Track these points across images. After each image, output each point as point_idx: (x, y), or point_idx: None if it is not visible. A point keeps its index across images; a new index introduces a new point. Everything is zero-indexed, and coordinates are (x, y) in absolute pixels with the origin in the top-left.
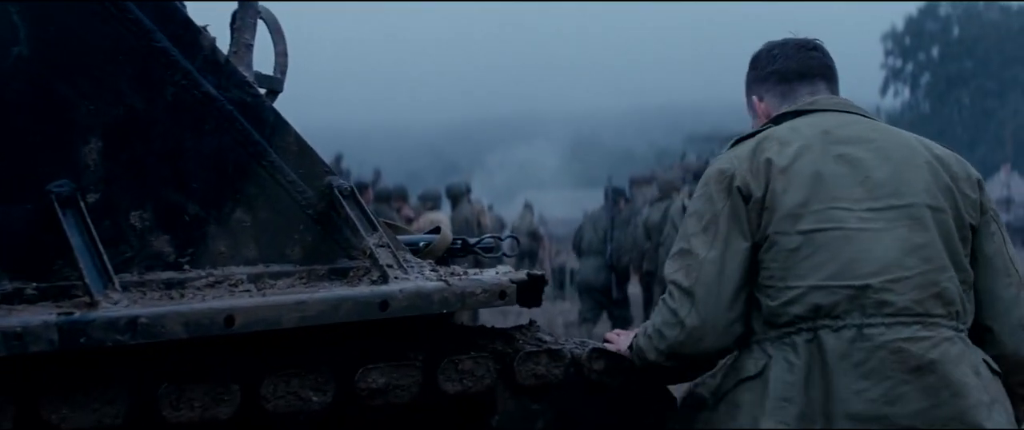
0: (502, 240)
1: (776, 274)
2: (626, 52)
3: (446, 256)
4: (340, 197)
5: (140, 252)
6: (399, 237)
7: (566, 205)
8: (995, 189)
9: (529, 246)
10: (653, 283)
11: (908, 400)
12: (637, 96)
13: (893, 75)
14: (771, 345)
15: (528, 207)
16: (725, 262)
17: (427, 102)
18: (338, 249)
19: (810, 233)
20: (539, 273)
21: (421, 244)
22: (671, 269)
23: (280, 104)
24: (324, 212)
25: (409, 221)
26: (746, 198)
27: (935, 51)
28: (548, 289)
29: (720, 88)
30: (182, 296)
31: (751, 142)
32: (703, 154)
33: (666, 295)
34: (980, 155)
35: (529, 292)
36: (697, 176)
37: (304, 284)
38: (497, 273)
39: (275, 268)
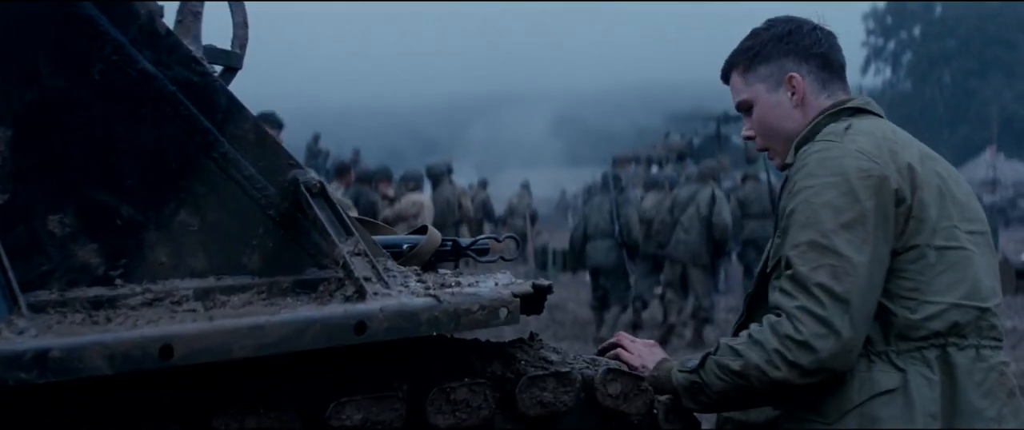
0: (499, 241)
1: (919, 286)
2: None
3: (433, 260)
4: (307, 194)
5: (61, 264)
6: (379, 238)
7: (547, 184)
8: (980, 170)
9: (522, 226)
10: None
11: (1008, 421)
12: (618, 74)
13: (874, 54)
14: (900, 358)
15: (525, 188)
16: (873, 269)
17: (407, 79)
18: (306, 257)
19: (942, 250)
20: (545, 283)
21: (404, 247)
22: (809, 267)
23: (240, 84)
24: (288, 213)
25: (391, 201)
26: (899, 202)
27: (917, 30)
28: (530, 269)
29: (701, 67)
30: (110, 319)
31: (870, 138)
32: (686, 133)
33: (807, 300)
34: (962, 135)
35: (532, 302)
36: (681, 156)
37: (264, 300)
38: (496, 284)
39: (228, 281)
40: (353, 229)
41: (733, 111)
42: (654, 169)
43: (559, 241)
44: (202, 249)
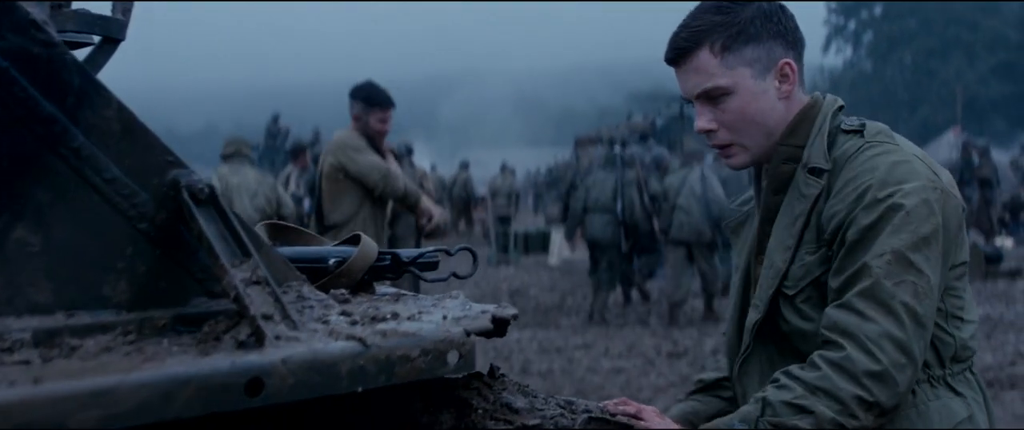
0: (451, 253)
1: (965, 305)
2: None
3: (368, 277)
4: (191, 203)
5: None
6: (297, 251)
7: (515, 164)
8: (943, 151)
9: (506, 208)
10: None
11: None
12: (579, 54)
13: (835, 32)
14: (955, 381)
15: (507, 169)
16: (940, 290)
17: (367, 58)
18: (190, 284)
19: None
20: (507, 315)
21: (330, 262)
22: (893, 281)
23: (193, 60)
24: (166, 226)
25: None
26: (958, 222)
27: (878, 9)
28: (490, 254)
29: (663, 46)
30: None
31: (915, 148)
32: (649, 113)
33: (889, 322)
34: (922, 116)
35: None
36: (643, 136)
37: (130, 344)
38: (445, 317)
39: (84, 319)
40: (251, 247)
41: None
42: (616, 148)
43: (521, 223)
44: (46, 277)
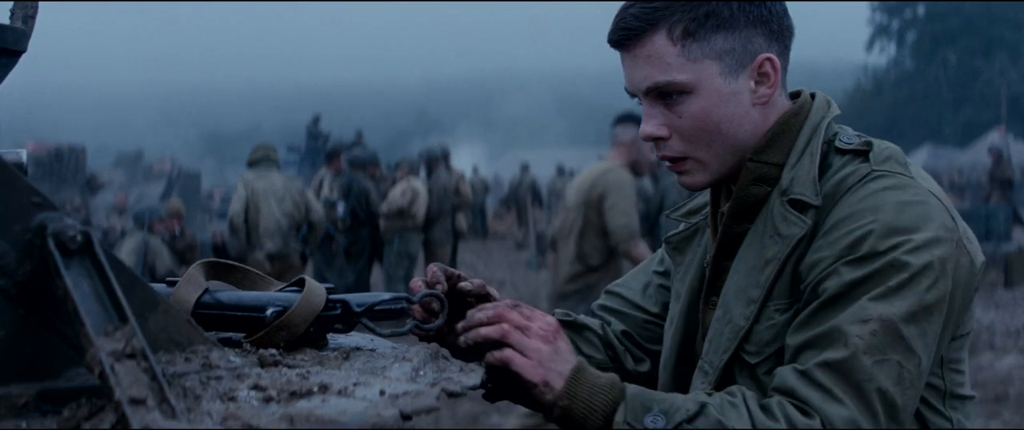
0: (413, 303)
1: (966, 381)
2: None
3: (315, 330)
4: (58, 254)
5: None
6: (236, 297)
7: (550, 164)
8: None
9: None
10: None
11: None
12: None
13: (879, 31)
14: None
15: (565, 171)
16: (926, 373)
17: (410, 58)
18: (63, 351)
19: None
20: (462, 388)
21: (268, 313)
22: (874, 358)
23: (235, 62)
24: (30, 283)
25: (387, 182)
26: (973, 283)
27: (921, 8)
28: (530, 258)
29: None
30: None
31: (931, 182)
32: None
33: (859, 410)
34: (965, 116)
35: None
36: None
37: None
38: (383, 393)
39: None
40: (127, 310)
41: None
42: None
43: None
44: None
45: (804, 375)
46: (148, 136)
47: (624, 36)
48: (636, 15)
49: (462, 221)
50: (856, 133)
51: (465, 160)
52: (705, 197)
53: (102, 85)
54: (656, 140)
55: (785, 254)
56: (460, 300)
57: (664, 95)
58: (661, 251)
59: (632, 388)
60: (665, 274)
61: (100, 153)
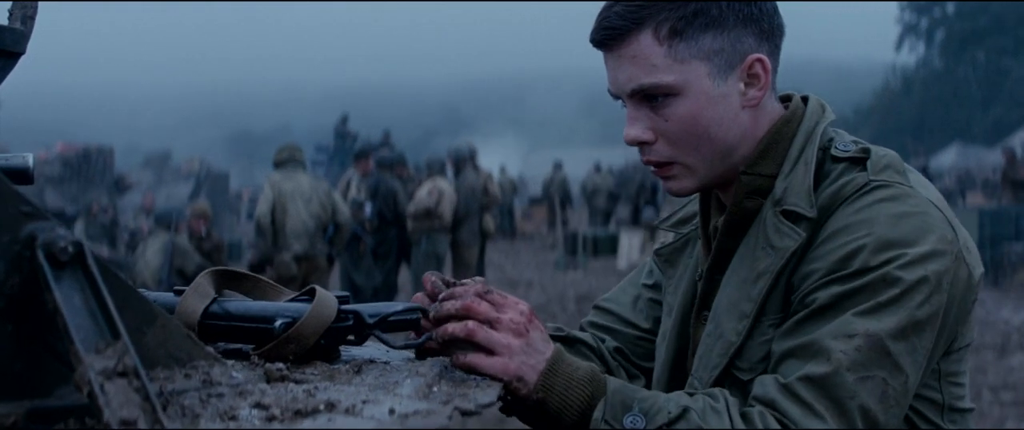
0: (428, 315)
1: (965, 395)
2: None
3: (325, 342)
4: (48, 266)
5: None
6: (245, 307)
7: (581, 163)
8: (1016, 150)
9: (607, 207)
10: None
11: None
12: None
13: (908, 30)
14: None
15: (601, 169)
16: (913, 390)
17: (438, 57)
18: (55, 368)
19: None
20: (477, 407)
21: (277, 324)
22: (857, 375)
23: (264, 62)
24: (20, 296)
25: (415, 183)
26: (971, 296)
27: (951, 7)
28: (558, 258)
29: None
30: None
31: (932, 191)
32: None
33: (839, 426)
34: (995, 114)
35: None
36: None
37: None
38: (393, 411)
39: None
40: (120, 326)
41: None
42: None
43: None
44: None
45: (786, 388)
46: (177, 136)
47: (608, 36)
48: (620, 13)
49: (490, 222)
50: (853, 139)
51: (494, 159)
52: (695, 206)
53: (132, 86)
54: (641, 144)
55: (779, 267)
56: None
57: (650, 97)
58: (649, 263)
59: (613, 383)
60: (655, 287)
61: (129, 153)
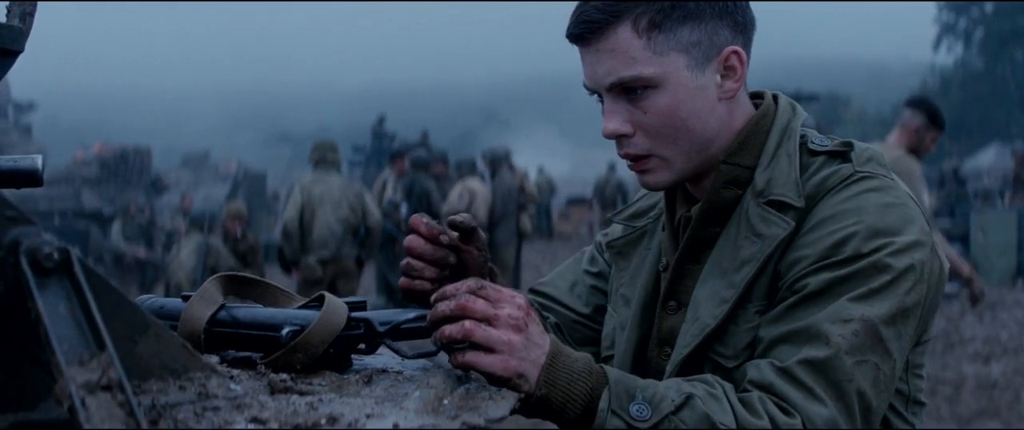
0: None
1: (923, 388)
2: None
3: (334, 351)
4: (31, 273)
5: None
6: (252, 314)
7: (620, 163)
8: None
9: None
10: None
11: None
12: None
13: (946, 30)
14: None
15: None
16: (897, 377)
17: (477, 57)
18: (42, 380)
19: None
20: (487, 422)
21: (284, 332)
22: (854, 359)
23: (237, 64)
24: (5, 304)
25: (452, 182)
26: (941, 288)
27: (989, 6)
28: None
29: (776, 45)
30: None
31: (904, 185)
32: None
33: (839, 409)
34: None
35: None
36: None
37: None
38: (395, 427)
39: None
40: (106, 337)
41: (805, 89)
42: None
43: None
44: None
45: (784, 372)
46: (215, 137)
47: (586, 29)
48: (598, 7)
49: (526, 222)
50: (826, 136)
51: (534, 160)
52: (652, 199)
53: (170, 87)
54: (619, 137)
55: (767, 254)
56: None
57: (628, 90)
58: (591, 250)
59: (614, 372)
60: (599, 276)
61: (167, 154)
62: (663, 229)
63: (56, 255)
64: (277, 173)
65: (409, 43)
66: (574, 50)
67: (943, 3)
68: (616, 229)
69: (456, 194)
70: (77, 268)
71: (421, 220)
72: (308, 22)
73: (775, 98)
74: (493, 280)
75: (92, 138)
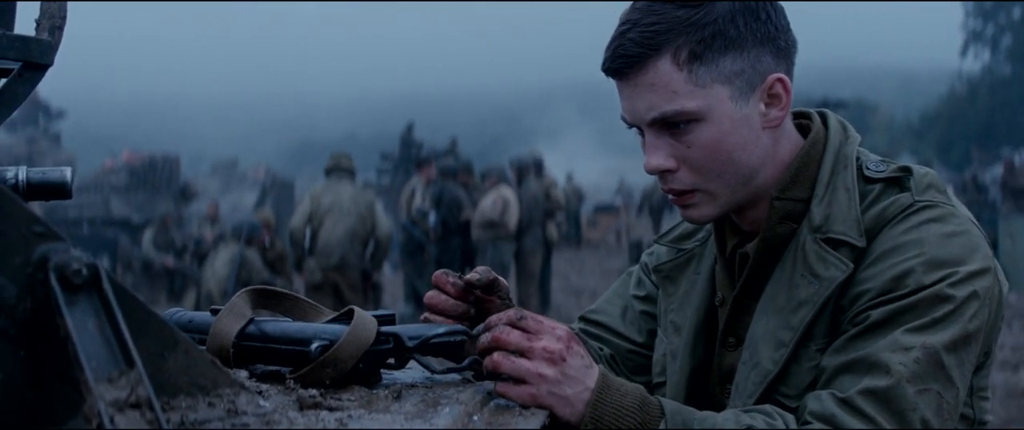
0: (471, 336)
1: (987, 409)
2: None
3: (364, 366)
4: (60, 290)
5: None
6: (281, 328)
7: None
8: None
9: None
10: None
11: None
12: None
13: (973, 37)
14: None
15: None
16: (960, 405)
17: (505, 65)
18: (70, 396)
19: None
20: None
21: (313, 347)
22: (917, 387)
23: (265, 72)
24: (31, 321)
25: (478, 190)
26: (1001, 310)
27: (1016, 12)
28: (623, 266)
29: (815, 50)
30: None
31: (966, 209)
32: None
33: None
34: None
35: None
36: None
37: None
38: None
39: None
40: (134, 354)
41: (833, 96)
42: None
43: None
44: None
45: (845, 402)
46: (243, 145)
47: (624, 64)
48: (636, 41)
49: (553, 230)
50: (881, 158)
51: (563, 167)
52: (684, 224)
53: (200, 95)
54: (663, 173)
55: (824, 297)
56: (481, 300)
57: (671, 124)
58: (638, 273)
59: (670, 405)
60: (646, 299)
61: (196, 162)
62: (714, 260)
63: (85, 271)
64: (305, 181)
65: (438, 51)
66: (600, 53)
67: (971, 8)
68: (662, 252)
69: (489, 202)
70: (106, 284)
71: (447, 279)
72: (337, 31)
73: (824, 120)
74: None
75: (121, 146)
